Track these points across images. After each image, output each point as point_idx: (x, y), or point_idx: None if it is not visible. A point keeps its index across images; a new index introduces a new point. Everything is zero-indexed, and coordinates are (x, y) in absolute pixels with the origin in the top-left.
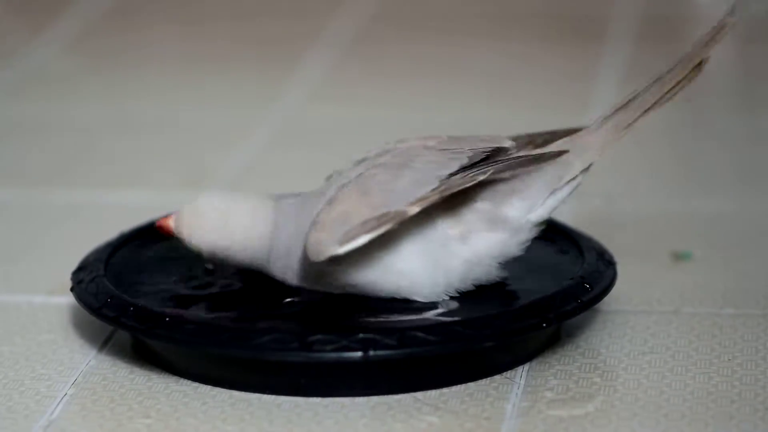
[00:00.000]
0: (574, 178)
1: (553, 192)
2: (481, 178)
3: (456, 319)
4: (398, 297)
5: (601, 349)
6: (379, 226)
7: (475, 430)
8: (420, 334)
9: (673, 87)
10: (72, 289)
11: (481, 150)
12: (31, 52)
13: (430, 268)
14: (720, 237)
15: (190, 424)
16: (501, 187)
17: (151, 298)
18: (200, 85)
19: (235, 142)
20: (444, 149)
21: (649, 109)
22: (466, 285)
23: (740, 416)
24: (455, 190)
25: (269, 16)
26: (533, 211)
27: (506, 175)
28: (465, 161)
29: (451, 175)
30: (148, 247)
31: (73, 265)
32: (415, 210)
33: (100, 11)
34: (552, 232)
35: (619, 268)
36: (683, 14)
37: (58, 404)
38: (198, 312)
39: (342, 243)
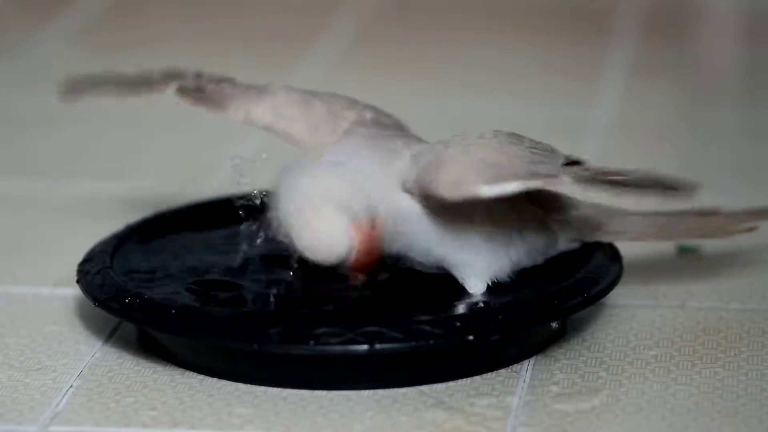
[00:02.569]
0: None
1: (581, 238)
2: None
3: (462, 312)
4: (450, 272)
5: (606, 344)
6: (530, 179)
7: (480, 424)
8: (426, 327)
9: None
10: (78, 281)
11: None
12: (36, 44)
13: (491, 250)
14: None
15: (196, 416)
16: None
17: (157, 290)
18: None
19: (240, 137)
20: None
21: (690, 235)
22: (508, 273)
23: (746, 411)
24: (611, 177)
25: (272, 13)
26: (562, 244)
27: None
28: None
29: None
30: (155, 239)
31: (79, 256)
32: (568, 181)
33: (104, 4)
34: None
35: (626, 263)
36: (689, 8)
37: (63, 396)
38: (204, 304)
39: (490, 183)
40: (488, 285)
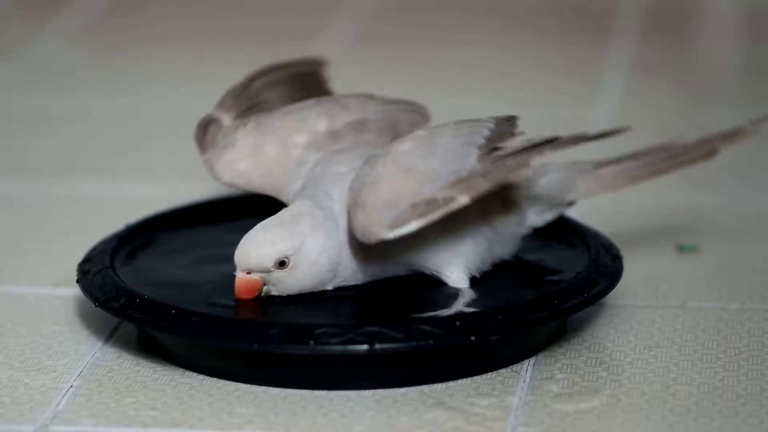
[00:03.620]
0: (570, 204)
1: (552, 207)
2: (535, 162)
3: (461, 312)
4: (428, 273)
5: (607, 344)
6: (428, 212)
7: (480, 424)
8: (426, 327)
9: (681, 164)
10: (78, 281)
11: (502, 118)
12: (36, 44)
13: (459, 245)
14: (726, 231)
15: (196, 416)
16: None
17: (157, 290)
18: (205, 79)
19: None
20: (461, 120)
21: (656, 173)
22: (486, 265)
23: (746, 411)
24: (509, 179)
25: (272, 13)
26: (532, 219)
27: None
28: (492, 126)
29: (488, 142)
30: (155, 239)
31: (80, 256)
32: (465, 200)
33: (104, 4)
34: (558, 227)
35: (626, 263)
36: (689, 8)
37: (63, 396)
38: (204, 304)
39: (392, 227)
40: (475, 277)
